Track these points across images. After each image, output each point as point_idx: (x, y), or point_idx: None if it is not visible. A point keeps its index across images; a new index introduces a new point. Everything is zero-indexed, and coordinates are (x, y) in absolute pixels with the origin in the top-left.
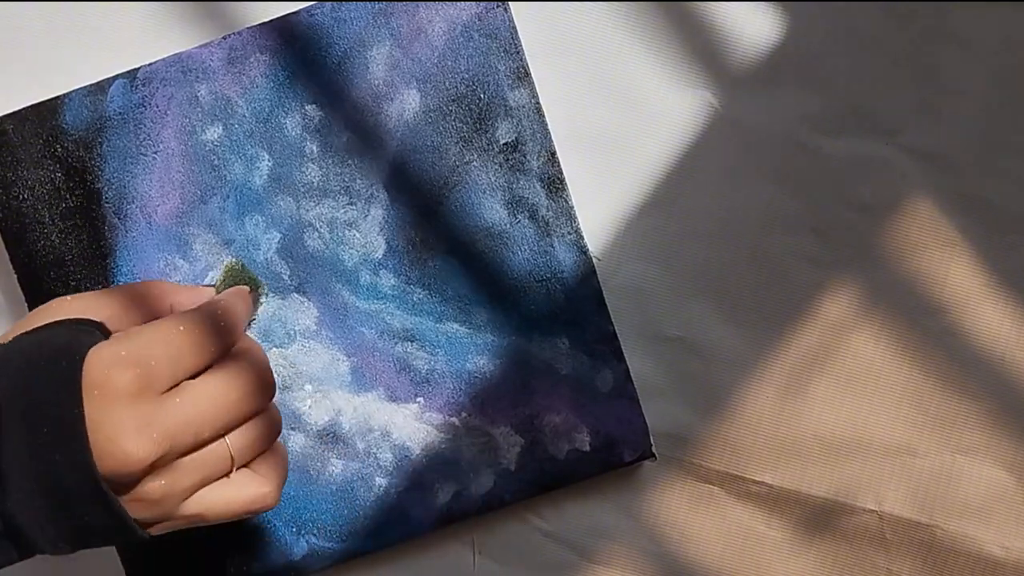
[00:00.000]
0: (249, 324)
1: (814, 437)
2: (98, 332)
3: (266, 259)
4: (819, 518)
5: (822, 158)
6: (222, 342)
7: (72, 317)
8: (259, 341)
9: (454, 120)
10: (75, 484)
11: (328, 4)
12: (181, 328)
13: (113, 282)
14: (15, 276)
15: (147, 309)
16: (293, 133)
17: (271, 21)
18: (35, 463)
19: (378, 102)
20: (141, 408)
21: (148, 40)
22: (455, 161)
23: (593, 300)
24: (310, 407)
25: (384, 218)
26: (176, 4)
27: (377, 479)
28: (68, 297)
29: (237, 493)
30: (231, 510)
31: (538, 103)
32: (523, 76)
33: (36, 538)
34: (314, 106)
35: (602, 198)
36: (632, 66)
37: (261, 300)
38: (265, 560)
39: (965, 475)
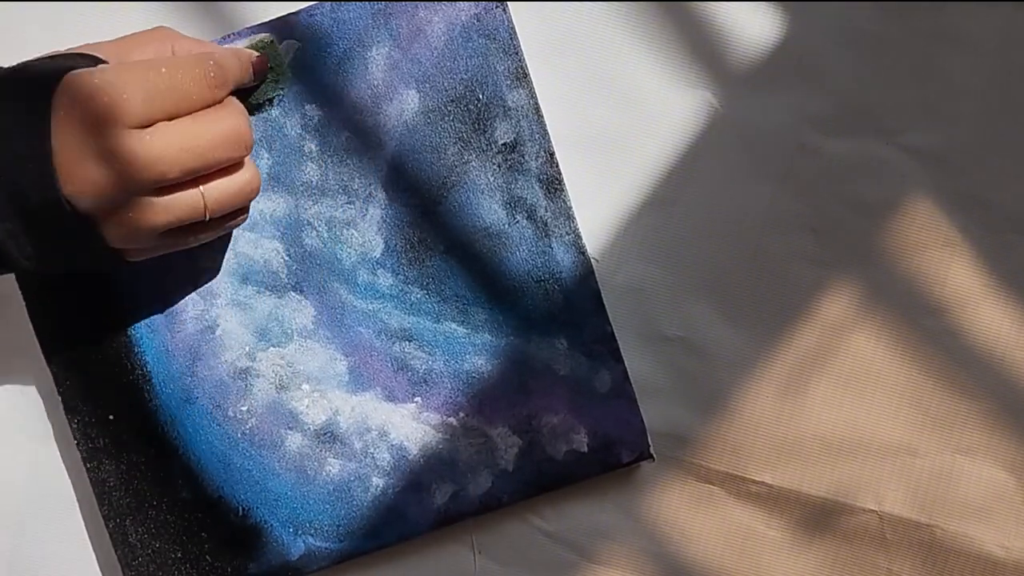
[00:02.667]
0: (267, 102)
1: (814, 437)
2: (91, 65)
3: (263, 258)
4: (819, 518)
5: (822, 158)
6: (203, 93)
7: (75, 51)
8: (256, 340)
9: (453, 120)
10: (41, 201)
11: (327, 4)
12: (163, 70)
13: (114, 283)
14: (13, 276)
15: (151, 49)
16: (292, 132)
17: (270, 21)
18: (4, 179)
19: (377, 102)
20: (106, 137)
21: None
22: (454, 161)
23: (591, 301)
24: (307, 407)
25: (382, 217)
26: (175, 4)
27: (374, 479)
28: (77, 46)
29: (203, 226)
30: (200, 240)
31: (536, 103)
32: (522, 76)
33: (11, 252)
34: (313, 106)
35: (602, 198)
36: (631, 66)
37: (281, 87)
38: (262, 560)
39: (965, 475)
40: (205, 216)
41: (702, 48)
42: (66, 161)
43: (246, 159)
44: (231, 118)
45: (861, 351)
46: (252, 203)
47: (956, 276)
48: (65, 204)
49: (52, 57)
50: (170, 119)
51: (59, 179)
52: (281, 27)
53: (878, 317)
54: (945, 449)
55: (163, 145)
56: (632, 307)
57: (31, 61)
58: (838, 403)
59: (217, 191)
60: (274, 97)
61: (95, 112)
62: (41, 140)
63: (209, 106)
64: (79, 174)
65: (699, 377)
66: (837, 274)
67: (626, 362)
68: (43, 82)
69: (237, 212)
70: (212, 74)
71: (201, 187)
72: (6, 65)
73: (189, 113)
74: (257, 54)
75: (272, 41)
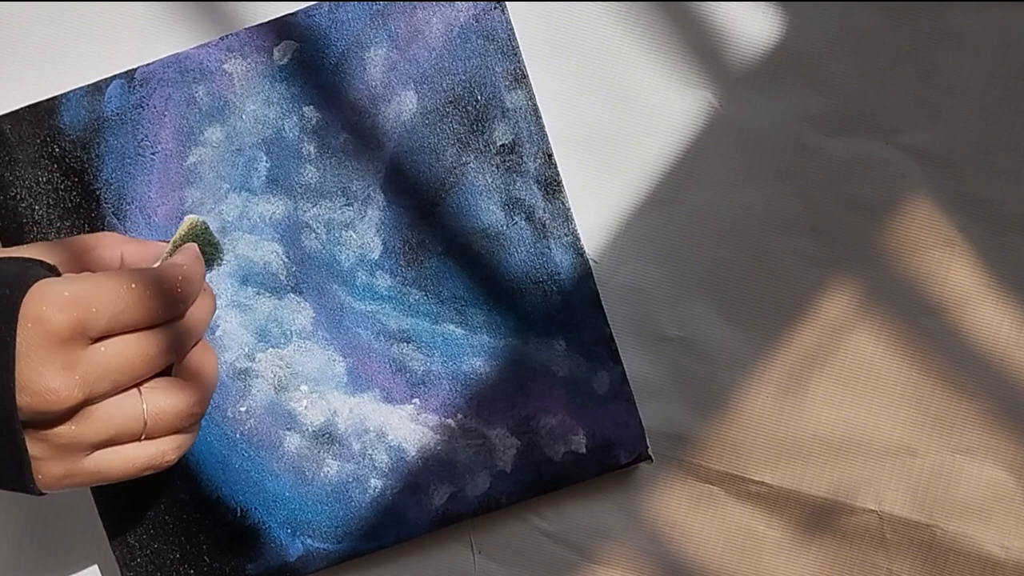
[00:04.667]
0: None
1: (814, 437)
2: (48, 272)
3: (263, 260)
4: (819, 518)
5: (822, 158)
6: (169, 311)
7: (26, 256)
8: (255, 341)
9: (451, 121)
10: None
11: (326, 5)
12: (132, 286)
13: None
14: None
15: (97, 258)
16: (291, 134)
17: (269, 22)
18: None
19: (375, 103)
20: (70, 350)
21: (146, 40)
22: (452, 162)
23: (590, 302)
24: (306, 408)
25: (381, 219)
26: (174, 4)
27: (372, 480)
28: (21, 247)
29: (135, 451)
30: (130, 468)
31: (535, 104)
32: (520, 77)
33: None
34: (312, 107)
35: (601, 199)
36: (631, 66)
37: (216, 266)
38: (260, 561)
39: (965, 475)
40: (142, 434)
41: (702, 48)
42: (26, 369)
43: (199, 380)
44: (181, 333)
45: (861, 351)
46: (252, 206)
47: (956, 276)
48: (16, 417)
49: (9, 260)
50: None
51: (14, 389)
52: (279, 28)
53: (878, 317)
54: (945, 449)
55: (116, 357)
56: (631, 307)
57: None
58: (838, 403)
59: (160, 403)
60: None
61: (57, 328)
62: (4, 351)
63: (167, 319)
64: (37, 383)
65: (699, 377)
66: (837, 274)
67: (626, 362)
68: (11, 291)
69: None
70: (180, 290)
71: (142, 398)
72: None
73: (150, 327)
74: (197, 248)
75: (205, 224)
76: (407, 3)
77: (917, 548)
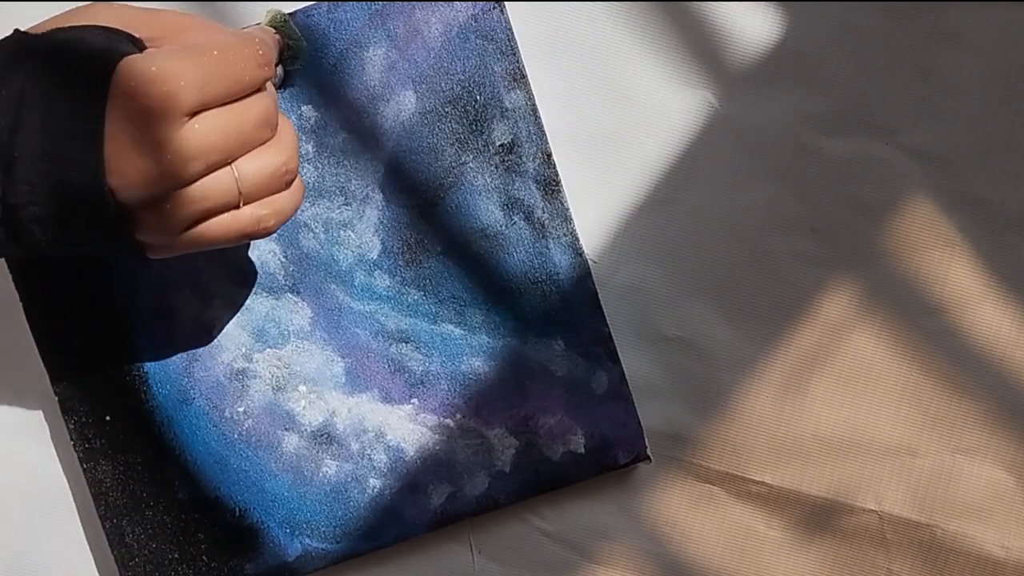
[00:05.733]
0: (280, 82)
1: (814, 437)
2: (133, 46)
3: (260, 259)
4: (819, 518)
5: (822, 158)
6: (255, 76)
7: (112, 27)
8: (253, 342)
9: (450, 121)
10: (80, 185)
11: (325, 5)
12: (215, 52)
13: (112, 279)
14: (10, 276)
15: (188, 40)
16: None
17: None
18: (46, 157)
19: (374, 103)
20: (161, 127)
21: None
22: (451, 162)
23: (588, 302)
24: (304, 408)
25: (379, 219)
26: (175, 4)
27: (371, 480)
28: (115, 3)
29: (232, 220)
30: (227, 238)
31: (534, 105)
32: (519, 78)
33: (34, 232)
34: (310, 107)
35: (601, 199)
36: (631, 66)
37: (300, 63)
38: (259, 561)
39: (965, 475)
40: (239, 201)
41: (702, 48)
42: (114, 151)
43: (282, 141)
44: (265, 99)
45: (861, 351)
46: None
47: (956, 276)
48: (107, 195)
49: (97, 30)
50: (219, 105)
51: (105, 169)
52: None
53: (878, 317)
54: (945, 449)
55: (210, 134)
56: (631, 307)
57: (75, 33)
58: (838, 403)
59: (251, 168)
60: (294, 72)
61: (151, 103)
62: (95, 127)
63: (257, 89)
64: (126, 165)
65: (698, 377)
66: (837, 274)
67: (625, 362)
68: (99, 65)
69: (269, 214)
70: (260, 52)
71: (233, 166)
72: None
73: (238, 97)
74: (276, 33)
75: (286, 18)
76: (406, 3)
77: (917, 548)
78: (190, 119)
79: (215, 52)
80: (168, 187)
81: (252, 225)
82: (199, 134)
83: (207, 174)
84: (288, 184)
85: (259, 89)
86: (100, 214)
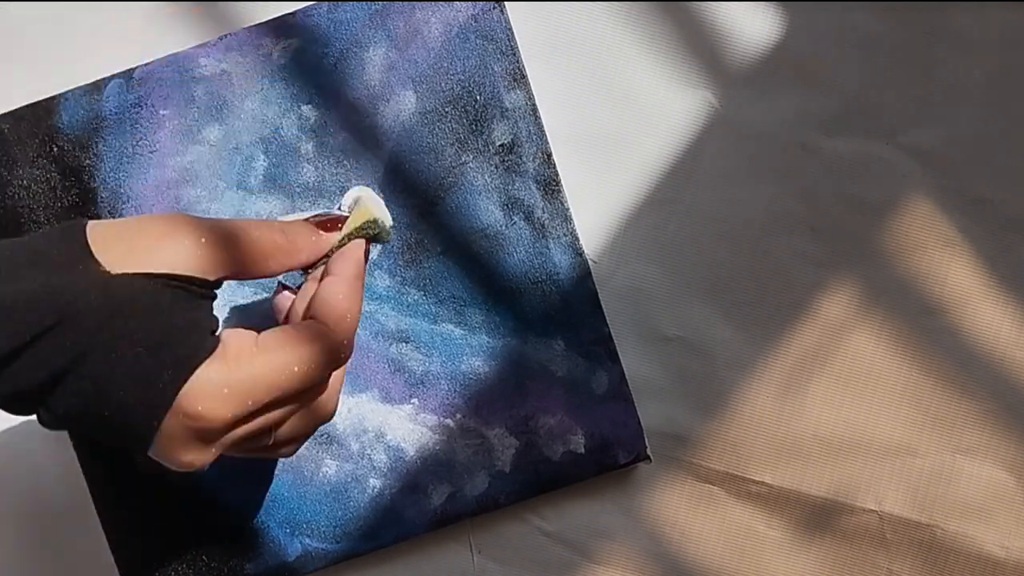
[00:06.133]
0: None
1: (814, 437)
2: (208, 299)
3: None
4: (819, 518)
5: (822, 158)
6: (326, 373)
7: (179, 273)
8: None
9: (450, 121)
10: (127, 445)
11: (325, 5)
12: (295, 369)
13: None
14: None
15: (257, 270)
16: (289, 133)
17: (268, 22)
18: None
19: (374, 103)
20: (215, 437)
21: (145, 40)
22: (451, 162)
23: (588, 302)
24: None
25: None
26: (173, 4)
27: (371, 480)
28: (193, 221)
29: (255, 451)
30: (244, 455)
31: (534, 105)
32: (519, 78)
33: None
34: (310, 106)
35: (601, 199)
36: (631, 66)
37: (384, 237)
38: (259, 561)
39: (965, 475)
40: (269, 447)
41: (702, 48)
42: (165, 445)
43: (326, 400)
44: (330, 390)
45: (861, 351)
46: (249, 204)
47: (956, 276)
48: (140, 458)
49: (179, 298)
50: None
51: (152, 449)
52: (278, 27)
53: (878, 317)
54: (945, 449)
55: (260, 424)
56: (631, 307)
57: (156, 294)
58: (838, 403)
59: (286, 430)
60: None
61: (214, 426)
62: (148, 430)
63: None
64: (172, 456)
65: (698, 377)
66: (837, 274)
67: (625, 362)
68: (171, 373)
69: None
70: (345, 341)
71: (272, 435)
72: None
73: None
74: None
75: (374, 218)
76: (406, 3)
77: (917, 548)
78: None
79: (295, 368)
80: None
81: (273, 454)
82: (248, 428)
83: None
84: (316, 426)
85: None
86: (128, 440)
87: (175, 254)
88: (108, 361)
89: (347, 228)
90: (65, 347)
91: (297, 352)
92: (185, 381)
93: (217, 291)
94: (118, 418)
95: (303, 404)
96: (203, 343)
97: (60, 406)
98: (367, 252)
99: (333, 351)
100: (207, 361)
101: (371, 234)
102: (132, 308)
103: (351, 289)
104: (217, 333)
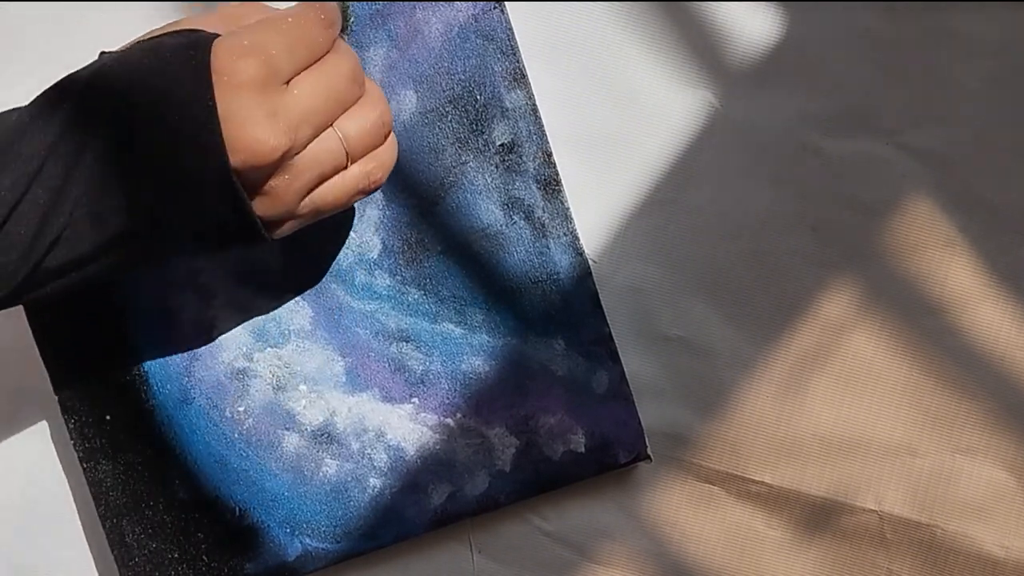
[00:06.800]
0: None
1: (814, 436)
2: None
3: (261, 259)
4: (819, 518)
5: (822, 158)
6: (326, 35)
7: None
8: (253, 341)
9: (450, 121)
10: (208, 176)
11: None
12: (290, 19)
13: (112, 284)
14: None
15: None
16: None
17: None
18: (169, 157)
19: None
20: (269, 97)
21: None
22: (451, 162)
23: (589, 301)
24: (304, 407)
25: (380, 218)
26: (174, 4)
27: (371, 480)
28: (174, 23)
29: (344, 179)
30: (344, 198)
31: (534, 104)
32: (519, 77)
33: (175, 234)
34: None
35: (602, 198)
36: (631, 66)
37: (348, 26)
38: (259, 561)
39: (965, 475)
40: (347, 160)
41: (702, 48)
42: (230, 130)
43: (372, 97)
44: (348, 55)
45: (861, 351)
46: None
47: (956, 276)
48: (234, 181)
49: (173, 31)
50: (304, 70)
51: (227, 150)
52: None
53: (878, 317)
54: (945, 449)
55: (310, 97)
56: (632, 307)
57: (155, 38)
58: (838, 403)
59: (353, 127)
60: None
61: (255, 73)
62: (209, 113)
63: (331, 46)
64: (243, 143)
65: (699, 377)
66: (837, 274)
67: (626, 362)
68: (195, 52)
69: (373, 170)
70: (323, 16)
71: (335, 127)
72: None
73: (317, 60)
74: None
75: None
76: (406, 3)
77: (917, 548)
78: (288, 85)
79: (289, 19)
80: (286, 156)
81: (363, 181)
82: (301, 99)
83: (315, 137)
84: (386, 136)
85: (335, 49)
86: (228, 202)
87: None
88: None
89: None
90: None
91: (285, 12)
92: (210, 51)
93: None
94: (177, 112)
95: (343, 82)
96: (212, 36)
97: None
98: None
99: (312, 12)
100: (219, 38)
101: None
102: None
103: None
104: None
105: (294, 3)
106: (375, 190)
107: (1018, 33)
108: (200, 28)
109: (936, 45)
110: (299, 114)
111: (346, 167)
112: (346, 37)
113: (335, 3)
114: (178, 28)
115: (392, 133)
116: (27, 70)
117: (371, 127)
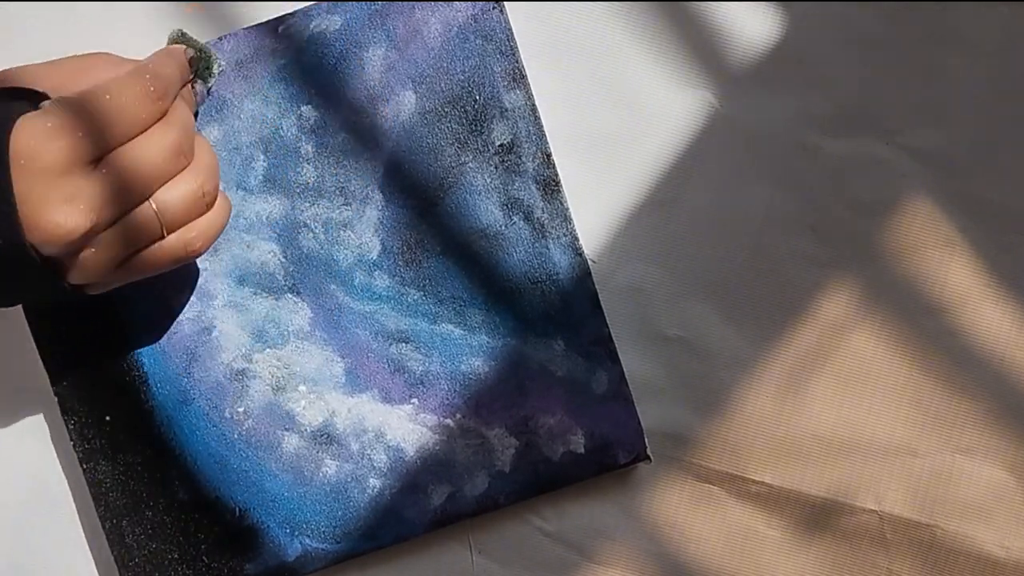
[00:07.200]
0: (203, 97)
1: (814, 437)
2: (31, 104)
3: (260, 259)
4: (819, 518)
5: (822, 158)
6: (152, 109)
7: (12, 86)
8: (252, 342)
9: (450, 121)
10: (5, 250)
11: (324, 5)
12: (108, 97)
13: None
14: None
15: (92, 78)
16: (289, 134)
17: (267, 22)
18: None
19: (374, 103)
20: (69, 180)
21: (143, 42)
22: (450, 162)
23: (588, 302)
24: (304, 408)
25: (379, 219)
26: (173, 5)
27: (371, 480)
28: (16, 67)
29: (160, 249)
30: (160, 266)
31: (534, 105)
32: (519, 78)
33: None
34: (310, 107)
35: (602, 198)
36: (631, 66)
37: (215, 70)
38: (259, 561)
39: (965, 475)
40: (163, 232)
41: (702, 48)
42: (28, 210)
43: (197, 166)
44: (170, 130)
45: (861, 351)
46: (249, 205)
47: (956, 276)
48: (30, 251)
49: None
50: (120, 145)
51: (23, 228)
52: (278, 28)
53: (878, 317)
54: (945, 449)
55: (119, 176)
56: (631, 307)
57: None
58: (838, 403)
59: (171, 197)
60: (212, 82)
61: (54, 157)
62: (4, 191)
63: (157, 120)
64: (42, 222)
65: (699, 377)
66: (837, 274)
67: (625, 362)
68: (1, 129)
69: (195, 236)
70: (152, 88)
71: (151, 200)
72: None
73: (139, 133)
74: (182, 47)
75: (183, 32)
76: (405, 3)
77: (917, 548)
78: (96, 165)
79: (107, 96)
80: (88, 234)
81: (180, 251)
82: (108, 178)
83: (126, 214)
84: (209, 206)
85: (164, 119)
86: (26, 271)
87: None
88: None
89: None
90: None
91: (105, 86)
92: (10, 131)
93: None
94: None
95: (158, 159)
96: (20, 110)
97: None
98: (196, 70)
99: (140, 85)
100: (25, 115)
101: (181, 41)
102: None
103: (161, 53)
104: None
105: (148, 58)
106: (196, 258)
107: (1018, 33)
108: (37, 81)
109: (936, 46)
110: (103, 195)
111: (163, 237)
112: (212, 81)
113: (182, 60)
114: (11, 83)
115: (222, 198)
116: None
117: (190, 199)
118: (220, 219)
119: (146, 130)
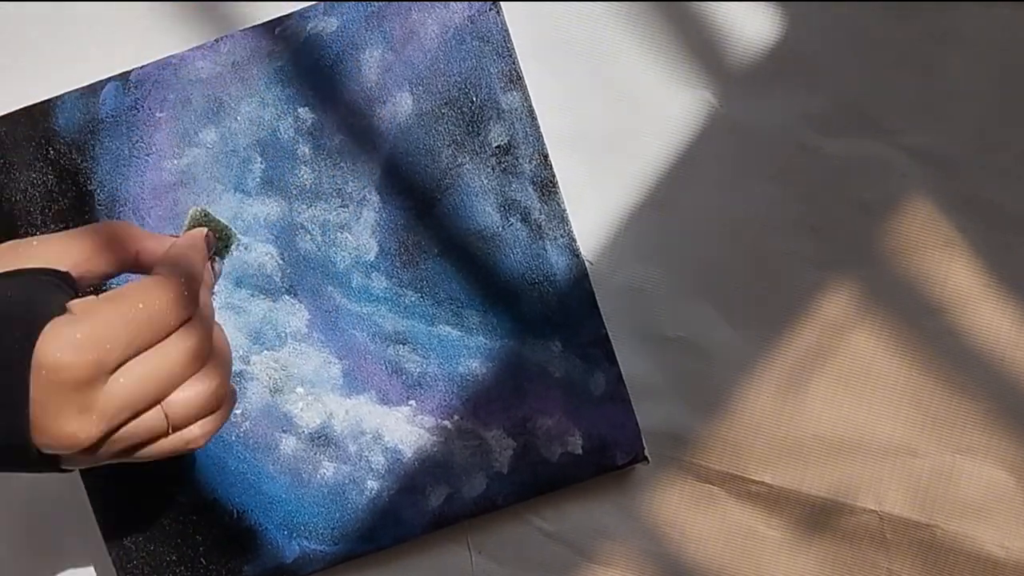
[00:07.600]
0: (220, 268)
1: (814, 437)
2: (62, 287)
3: (257, 261)
4: (819, 518)
5: (822, 158)
6: (180, 315)
7: (35, 266)
8: (250, 344)
9: (446, 123)
10: (7, 447)
11: (321, 6)
12: (140, 306)
13: (107, 288)
14: None
15: (114, 255)
16: (286, 136)
17: (264, 23)
18: None
19: (371, 105)
20: (87, 393)
21: (141, 43)
22: (447, 164)
23: (586, 303)
24: (301, 410)
25: (376, 220)
26: (169, 6)
27: (369, 482)
28: (33, 240)
29: (161, 444)
30: (157, 456)
31: (530, 106)
32: (515, 79)
33: None
34: (307, 109)
35: (602, 199)
36: (630, 66)
37: (232, 248)
38: (257, 563)
39: (965, 475)
40: (168, 431)
41: (702, 48)
42: (39, 415)
43: (213, 367)
44: (192, 335)
45: (861, 351)
46: (246, 207)
47: (956, 276)
48: (32, 450)
49: (17, 277)
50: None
51: (31, 430)
52: (274, 29)
53: (878, 317)
54: (945, 449)
55: (135, 385)
56: (631, 307)
57: (5, 283)
58: (838, 403)
59: (181, 399)
60: (227, 255)
61: (78, 373)
62: (20, 396)
63: (178, 327)
64: (54, 430)
65: (698, 377)
66: (837, 274)
67: (625, 363)
68: (22, 333)
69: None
70: (186, 292)
71: (162, 404)
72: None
73: (161, 339)
74: (204, 231)
75: (206, 212)
76: (402, 4)
77: (917, 548)
78: (113, 375)
79: (140, 305)
80: (99, 443)
81: (180, 447)
82: (125, 388)
83: (136, 417)
84: (219, 405)
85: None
86: (26, 463)
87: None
88: None
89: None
90: None
91: (139, 293)
92: (36, 338)
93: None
94: None
95: (177, 367)
96: (48, 308)
97: None
98: (214, 249)
99: (172, 282)
100: (55, 319)
101: (205, 225)
102: None
103: (187, 242)
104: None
105: (174, 246)
106: (192, 451)
107: (1018, 33)
108: (59, 259)
109: (936, 45)
110: (118, 406)
111: (167, 435)
112: (227, 255)
113: (204, 242)
114: (31, 260)
115: (230, 398)
116: (19, 73)
117: (202, 402)
118: (225, 415)
119: (169, 334)
